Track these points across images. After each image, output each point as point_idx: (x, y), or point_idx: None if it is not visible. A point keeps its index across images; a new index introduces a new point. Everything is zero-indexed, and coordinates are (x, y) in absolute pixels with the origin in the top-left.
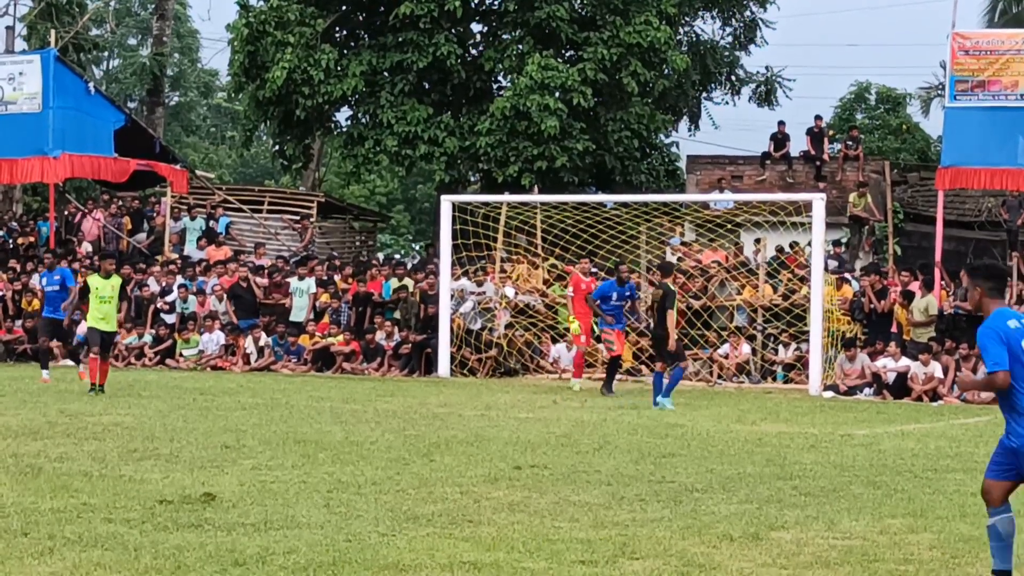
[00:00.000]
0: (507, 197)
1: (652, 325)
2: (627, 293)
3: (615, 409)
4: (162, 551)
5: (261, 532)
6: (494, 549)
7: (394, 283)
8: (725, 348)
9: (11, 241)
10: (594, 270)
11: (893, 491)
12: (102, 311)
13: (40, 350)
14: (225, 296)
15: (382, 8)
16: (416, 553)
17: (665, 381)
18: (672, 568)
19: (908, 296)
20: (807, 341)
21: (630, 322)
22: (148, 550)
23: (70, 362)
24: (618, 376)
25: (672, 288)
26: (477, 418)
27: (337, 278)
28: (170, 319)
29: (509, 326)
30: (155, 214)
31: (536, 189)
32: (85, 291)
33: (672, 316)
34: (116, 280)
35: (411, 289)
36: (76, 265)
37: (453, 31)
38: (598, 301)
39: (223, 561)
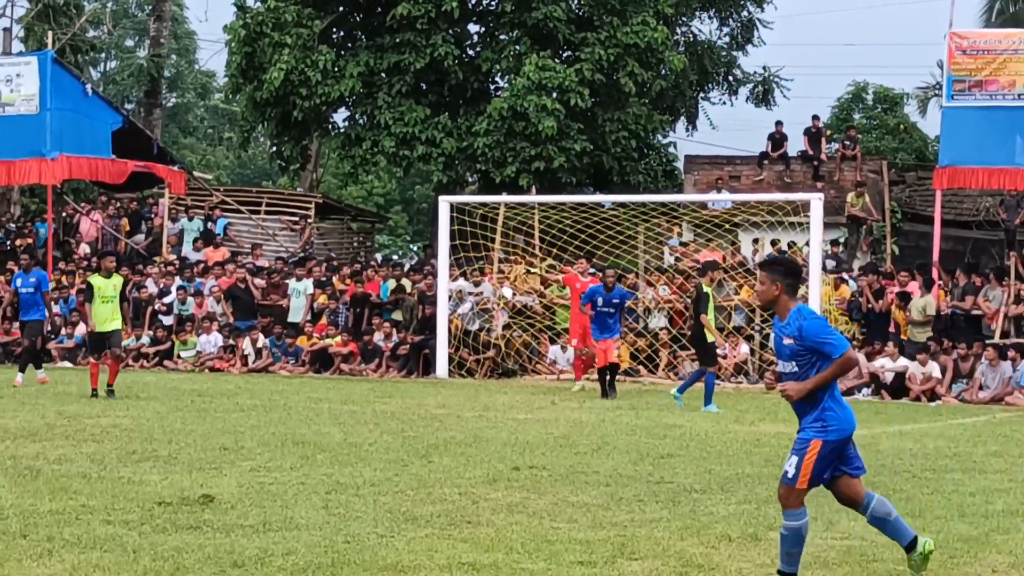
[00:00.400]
0: (505, 198)
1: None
2: (615, 299)
3: (613, 410)
4: (161, 553)
5: (260, 533)
6: (493, 550)
7: (392, 284)
8: (723, 348)
9: (9, 243)
10: (592, 271)
11: (891, 491)
12: (105, 311)
13: (30, 351)
14: (223, 297)
15: (379, 9)
16: (415, 554)
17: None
18: (671, 568)
19: (904, 297)
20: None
21: (627, 323)
22: (147, 552)
23: (68, 364)
24: (617, 376)
25: (705, 290)
26: (475, 419)
27: (335, 279)
28: (168, 320)
29: (507, 327)
30: (153, 215)
31: (534, 190)
32: (89, 291)
33: (705, 319)
34: (118, 279)
35: (409, 290)
36: (72, 266)
37: (450, 32)
38: (587, 305)
39: (222, 563)
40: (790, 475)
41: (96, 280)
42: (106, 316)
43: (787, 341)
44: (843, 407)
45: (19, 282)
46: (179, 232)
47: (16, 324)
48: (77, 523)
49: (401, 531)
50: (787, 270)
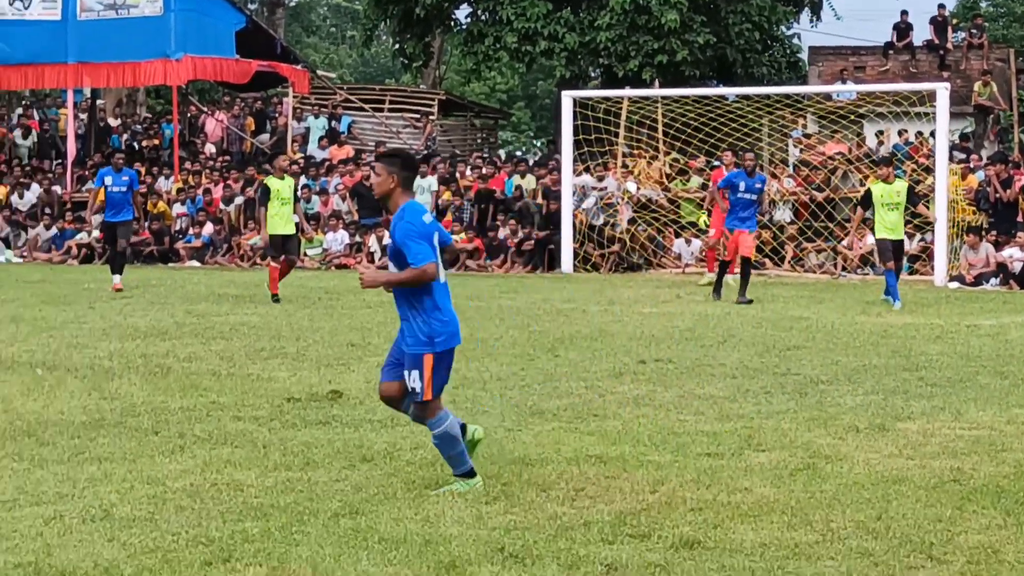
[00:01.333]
0: (628, 92)
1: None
2: (758, 185)
3: (738, 303)
4: (291, 448)
5: (388, 428)
6: (620, 442)
7: (516, 180)
8: (849, 239)
9: (136, 144)
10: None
11: (1020, 381)
12: (284, 213)
13: (114, 254)
14: (348, 195)
15: None
16: (542, 447)
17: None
18: (798, 460)
19: None
20: (932, 232)
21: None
22: (277, 447)
23: (196, 263)
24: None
25: (870, 187)
26: (601, 313)
27: (459, 176)
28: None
29: (632, 221)
30: (277, 115)
31: (657, 83)
32: (266, 194)
33: (857, 214)
34: (291, 180)
35: (534, 186)
36: (198, 167)
37: None
38: (723, 189)
39: (351, 457)
40: (418, 392)
41: (272, 182)
42: (284, 219)
43: (389, 238)
44: (448, 321)
45: (109, 180)
46: (304, 131)
47: (145, 225)
48: (208, 419)
49: (528, 425)
50: (404, 162)
